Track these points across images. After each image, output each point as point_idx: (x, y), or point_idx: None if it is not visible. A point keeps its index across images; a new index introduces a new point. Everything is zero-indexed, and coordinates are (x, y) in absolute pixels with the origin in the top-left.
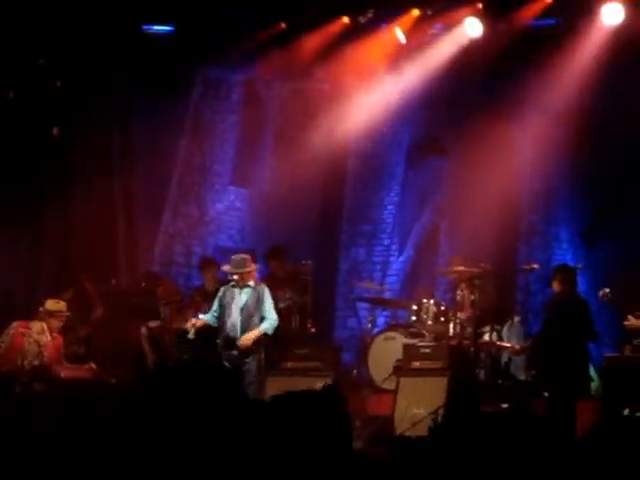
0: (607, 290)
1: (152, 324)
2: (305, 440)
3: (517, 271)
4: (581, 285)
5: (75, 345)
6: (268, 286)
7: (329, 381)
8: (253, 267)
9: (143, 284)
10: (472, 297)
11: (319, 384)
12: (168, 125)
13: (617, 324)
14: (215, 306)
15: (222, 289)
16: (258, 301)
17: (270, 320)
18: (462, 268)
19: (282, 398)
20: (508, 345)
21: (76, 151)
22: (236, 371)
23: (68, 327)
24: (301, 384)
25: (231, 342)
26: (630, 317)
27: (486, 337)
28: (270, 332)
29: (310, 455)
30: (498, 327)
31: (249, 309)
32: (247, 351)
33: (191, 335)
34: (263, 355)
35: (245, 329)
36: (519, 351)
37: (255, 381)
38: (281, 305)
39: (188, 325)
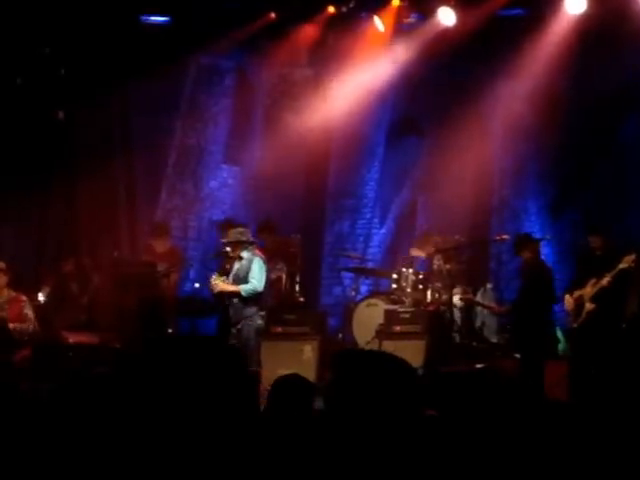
0: None
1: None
2: None
3: (490, 242)
4: (549, 254)
5: (77, 313)
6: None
7: (315, 344)
8: (244, 239)
9: (144, 256)
10: (447, 266)
11: (307, 347)
12: (165, 108)
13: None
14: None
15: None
16: (247, 270)
17: (250, 284)
18: (433, 247)
19: None
20: (491, 305)
21: (79, 133)
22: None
23: (69, 296)
24: (290, 347)
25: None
26: (567, 297)
27: (455, 299)
28: (244, 294)
29: None
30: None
31: (238, 278)
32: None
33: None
34: (260, 321)
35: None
36: (500, 311)
37: (249, 344)
38: (272, 276)
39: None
